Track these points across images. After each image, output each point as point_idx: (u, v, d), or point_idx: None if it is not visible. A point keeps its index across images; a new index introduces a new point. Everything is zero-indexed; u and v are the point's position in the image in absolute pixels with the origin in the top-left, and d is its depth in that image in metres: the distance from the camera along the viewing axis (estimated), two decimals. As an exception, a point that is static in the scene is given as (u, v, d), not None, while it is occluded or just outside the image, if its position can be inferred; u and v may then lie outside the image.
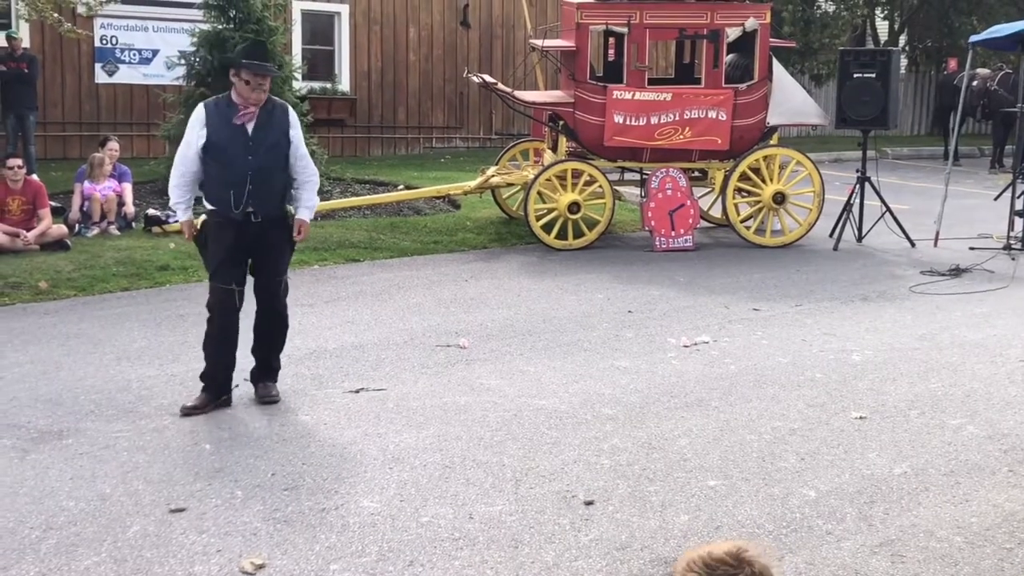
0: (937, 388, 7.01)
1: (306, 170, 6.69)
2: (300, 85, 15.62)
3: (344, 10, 19.18)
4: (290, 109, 6.71)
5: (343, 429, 6.20)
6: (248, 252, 6.58)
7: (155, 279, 10.01)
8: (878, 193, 11.99)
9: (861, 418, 6.41)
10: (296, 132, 6.63)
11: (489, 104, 19.75)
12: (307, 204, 6.74)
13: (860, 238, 12.20)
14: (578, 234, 11.79)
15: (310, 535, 4.85)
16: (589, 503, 5.17)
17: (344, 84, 19.22)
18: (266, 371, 6.77)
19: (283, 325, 6.82)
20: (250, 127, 6.45)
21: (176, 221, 11.45)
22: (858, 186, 12.17)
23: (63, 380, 7.07)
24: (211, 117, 6.45)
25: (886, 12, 26.16)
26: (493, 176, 12.67)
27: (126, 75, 17.42)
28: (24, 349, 7.81)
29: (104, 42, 17.19)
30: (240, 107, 6.43)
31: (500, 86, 12.70)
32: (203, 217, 6.65)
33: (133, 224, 11.88)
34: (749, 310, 9.11)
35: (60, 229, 11.07)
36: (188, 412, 6.41)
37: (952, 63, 21.98)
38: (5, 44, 14.75)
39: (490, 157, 14.95)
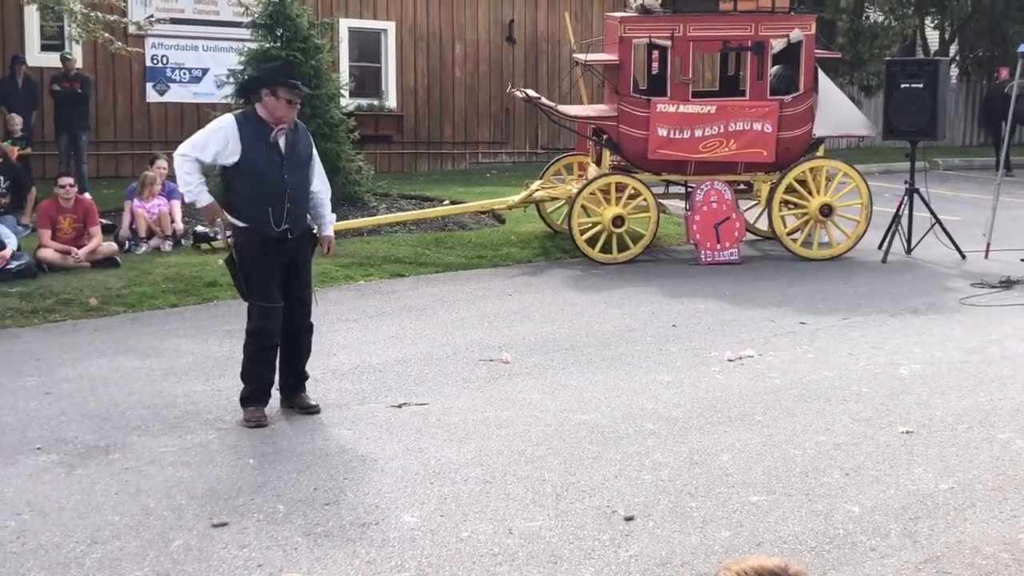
0: (986, 402, 6.90)
1: (324, 183, 6.88)
2: (347, 102, 15.74)
3: (391, 27, 19.31)
4: (307, 129, 6.90)
5: (385, 444, 6.22)
6: (284, 268, 6.65)
7: (203, 295, 10.12)
8: (927, 204, 11.84)
9: (907, 433, 6.32)
10: (314, 149, 6.84)
11: (535, 119, 19.78)
12: (329, 219, 6.94)
13: (909, 250, 12.04)
14: (622, 248, 11.77)
15: (350, 550, 4.87)
16: (629, 519, 5.15)
17: (391, 100, 19.34)
18: (301, 381, 6.87)
19: (311, 333, 6.95)
20: (282, 144, 6.54)
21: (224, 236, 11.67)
22: (907, 197, 12.03)
23: (111, 395, 7.17)
24: (244, 133, 6.48)
25: (936, 21, 25.85)
26: (537, 190, 12.68)
27: (177, 94, 17.67)
28: (73, 365, 7.93)
29: (155, 61, 17.46)
30: (269, 124, 6.51)
31: (543, 100, 12.72)
32: (229, 236, 6.70)
33: (182, 241, 12.03)
34: (795, 323, 9.03)
35: (110, 246, 11.23)
36: (255, 426, 6.50)
37: (1004, 72, 21.65)
38: (59, 65, 15.04)
39: (536, 172, 14.96)
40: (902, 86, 11.99)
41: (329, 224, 6.90)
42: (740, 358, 7.94)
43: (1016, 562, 4.71)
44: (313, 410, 6.75)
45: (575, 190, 12.04)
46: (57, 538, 5.01)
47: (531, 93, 12.59)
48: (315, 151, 6.83)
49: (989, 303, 9.75)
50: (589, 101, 13.45)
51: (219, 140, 6.48)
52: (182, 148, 6.58)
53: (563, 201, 12.65)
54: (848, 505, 5.30)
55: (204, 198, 6.59)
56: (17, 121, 14.20)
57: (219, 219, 6.73)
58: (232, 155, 6.48)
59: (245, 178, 6.50)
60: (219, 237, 11.57)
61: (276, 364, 6.74)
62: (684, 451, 6.05)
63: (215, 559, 4.80)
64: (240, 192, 6.56)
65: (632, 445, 6.15)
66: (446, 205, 14.28)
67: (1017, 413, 6.67)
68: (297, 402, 6.79)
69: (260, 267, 6.57)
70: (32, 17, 16.48)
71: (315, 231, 6.87)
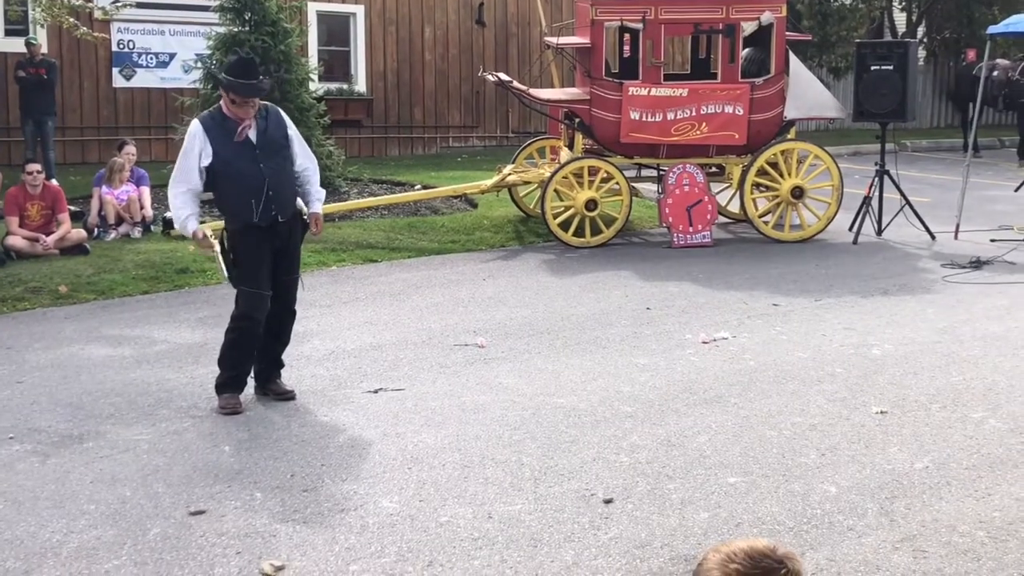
0: (958, 382, 6.96)
1: (310, 159, 6.79)
2: (317, 86, 15.64)
3: (360, 11, 19.18)
4: (280, 111, 6.78)
5: (362, 429, 6.20)
6: (274, 253, 6.59)
7: (174, 282, 10.04)
8: (897, 186, 11.91)
9: (882, 413, 6.37)
10: (293, 129, 6.75)
11: (505, 103, 19.72)
12: (317, 196, 6.83)
13: (880, 231, 12.12)
14: (595, 231, 11.77)
15: (329, 536, 4.86)
16: (608, 501, 5.16)
17: (360, 85, 19.22)
18: (277, 368, 6.84)
19: (293, 320, 6.92)
20: (252, 135, 6.47)
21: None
22: (877, 179, 12.10)
23: (83, 384, 7.10)
24: (211, 133, 6.43)
25: (904, 3, 25.98)
26: (510, 175, 12.65)
27: (143, 79, 17.48)
28: (44, 353, 7.85)
29: (121, 46, 17.26)
30: (234, 120, 6.44)
31: (515, 84, 12.69)
32: (220, 224, 6.65)
33: (152, 227, 11.92)
34: (768, 305, 9.07)
35: (79, 233, 11.12)
36: (230, 413, 6.46)
37: (971, 54, 21.79)
38: (24, 50, 14.84)
39: (507, 156, 14.94)
40: (872, 68, 12.03)
41: (317, 201, 6.79)
42: (714, 340, 7.97)
43: (992, 540, 4.76)
44: (288, 396, 6.72)
45: (548, 174, 12.03)
46: (32, 528, 4.96)
47: (503, 77, 12.55)
48: (292, 131, 6.71)
49: (959, 283, 9.83)
50: (560, 84, 13.43)
51: (194, 152, 6.42)
52: (171, 183, 6.54)
53: (536, 185, 12.64)
54: (825, 485, 5.34)
55: (191, 225, 6.50)
56: None
57: (211, 246, 6.58)
58: (206, 157, 6.43)
59: (222, 175, 6.45)
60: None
61: (255, 353, 6.68)
62: (661, 433, 6.07)
63: (193, 547, 4.77)
64: (221, 187, 6.54)
65: (609, 428, 6.16)
66: (418, 190, 14.24)
67: (989, 392, 6.73)
68: (272, 388, 6.75)
69: (250, 254, 6.52)
70: (-5, 2, 16.28)
71: (304, 214, 6.77)
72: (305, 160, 6.75)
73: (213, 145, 6.41)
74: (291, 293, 6.77)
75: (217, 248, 6.59)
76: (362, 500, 5.22)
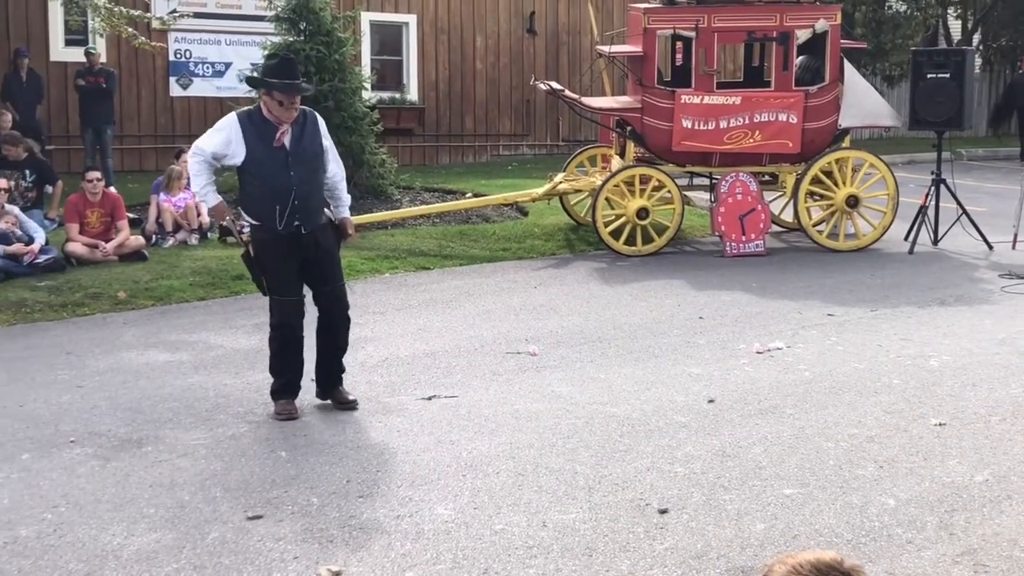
0: (1018, 393, 6.86)
1: (339, 166, 6.74)
2: (370, 95, 15.76)
3: (412, 20, 19.31)
4: (318, 116, 6.71)
5: (416, 436, 6.23)
6: (302, 262, 6.58)
7: (231, 288, 10.16)
8: (954, 195, 11.77)
9: (940, 425, 6.29)
10: (327, 138, 6.69)
11: (556, 111, 19.76)
12: (346, 202, 6.79)
13: (936, 241, 11.97)
14: (647, 240, 11.74)
15: (385, 542, 4.88)
16: (663, 511, 5.14)
17: (412, 94, 19.34)
18: (338, 375, 6.84)
19: (348, 325, 6.88)
20: (287, 142, 6.44)
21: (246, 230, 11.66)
22: (933, 188, 11.96)
23: (142, 388, 7.21)
24: (247, 132, 6.40)
25: (959, 11, 25.68)
26: (561, 183, 12.66)
27: (200, 88, 17.73)
28: (104, 358, 7.97)
29: (179, 56, 17.52)
30: (273, 123, 6.42)
31: (567, 93, 12.70)
32: (247, 230, 6.68)
33: (208, 234, 12.07)
34: (823, 315, 8.99)
35: (137, 240, 11.29)
36: (286, 419, 6.52)
37: (1028, 61, 21.50)
38: (84, 60, 15.09)
39: (557, 164, 14.94)
40: (928, 76, 11.90)
41: (344, 207, 6.77)
42: (768, 350, 7.91)
43: (1055, 555, 4.69)
44: (350, 406, 6.70)
45: (599, 182, 12.02)
46: (94, 531, 5.04)
47: (555, 85, 12.57)
48: (326, 139, 6.65)
49: (1018, 294, 9.69)
50: (612, 93, 13.42)
51: (221, 140, 6.43)
52: (193, 145, 6.59)
53: (587, 193, 12.63)
54: (883, 498, 5.28)
55: (211, 198, 6.54)
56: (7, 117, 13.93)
57: (227, 217, 6.71)
58: (236, 156, 6.42)
59: (251, 177, 6.46)
60: (233, 234, 11.65)
61: (302, 356, 6.71)
62: (716, 444, 6.04)
63: (251, 552, 4.82)
64: (248, 190, 6.54)
65: (663, 438, 6.15)
66: (469, 198, 14.28)
67: (1050, 405, 6.63)
68: (335, 396, 6.77)
69: (275, 262, 6.52)
70: (56, 12, 16.57)
71: (335, 220, 6.75)
72: (334, 166, 6.70)
73: (247, 144, 6.38)
74: (339, 302, 6.72)
75: (238, 234, 6.54)
76: (417, 507, 5.25)
